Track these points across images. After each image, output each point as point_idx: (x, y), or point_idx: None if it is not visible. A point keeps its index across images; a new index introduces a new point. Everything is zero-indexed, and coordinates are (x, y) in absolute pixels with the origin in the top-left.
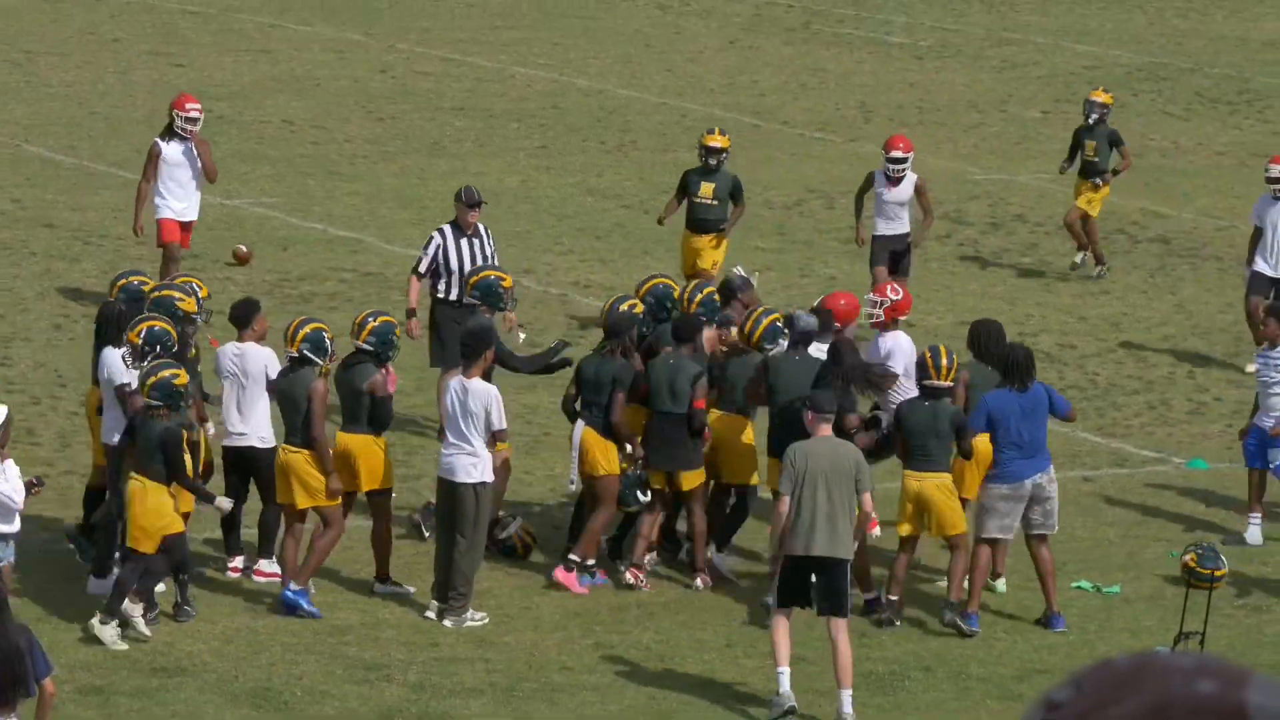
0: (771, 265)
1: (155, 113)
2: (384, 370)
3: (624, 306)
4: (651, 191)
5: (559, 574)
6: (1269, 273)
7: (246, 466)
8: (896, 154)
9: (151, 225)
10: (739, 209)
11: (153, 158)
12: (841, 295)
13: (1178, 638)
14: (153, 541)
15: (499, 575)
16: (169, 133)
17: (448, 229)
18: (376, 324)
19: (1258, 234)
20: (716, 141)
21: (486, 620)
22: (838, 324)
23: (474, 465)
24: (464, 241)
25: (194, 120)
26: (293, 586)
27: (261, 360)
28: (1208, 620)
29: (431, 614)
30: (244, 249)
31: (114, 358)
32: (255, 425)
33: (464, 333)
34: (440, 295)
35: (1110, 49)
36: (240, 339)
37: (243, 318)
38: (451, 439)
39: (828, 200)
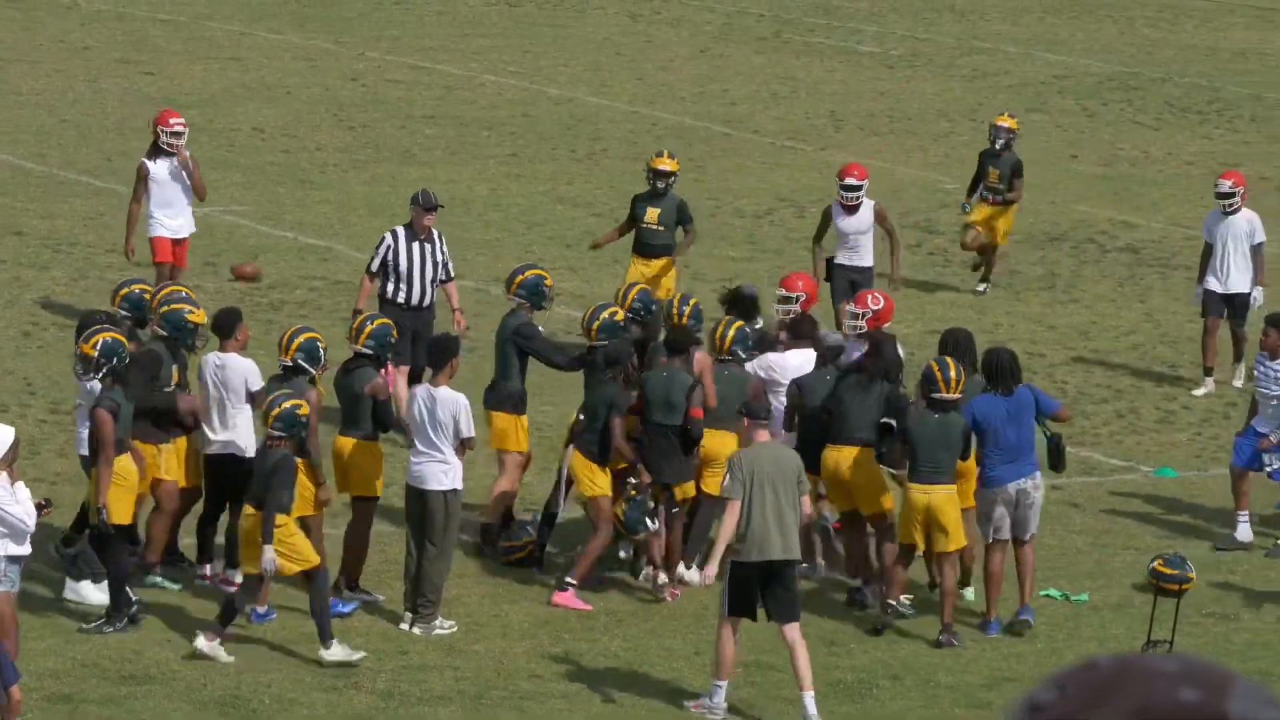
0: (742, 273)
1: (125, 120)
2: (383, 371)
3: (605, 314)
4: (622, 199)
5: (558, 598)
6: (1220, 290)
7: (225, 475)
8: (850, 181)
9: (144, 245)
10: (689, 234)
11: (141, 178)
12: (868, 293)
13: (1145, 646)
14: (297, 567)
15: (468, 583)
16: (155, 151)
17: (400, 231)
18: (374, 327)
19: (1208, 250)
20: (665, 165)
21: (455, 628)
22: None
23: (444, 473)
24: (415, 245)
25: (179, 135)
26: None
27: (242, 372)
28: (1175, 628)
29: (405, 624)
30: (249, 267)
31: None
32: (236, 434)
33: (430, 342)
34: (388, 296)
35: (1080, 58)
36: (222, 348)
37: (225, 327)
38: (421, 447)
39: (798, 209)
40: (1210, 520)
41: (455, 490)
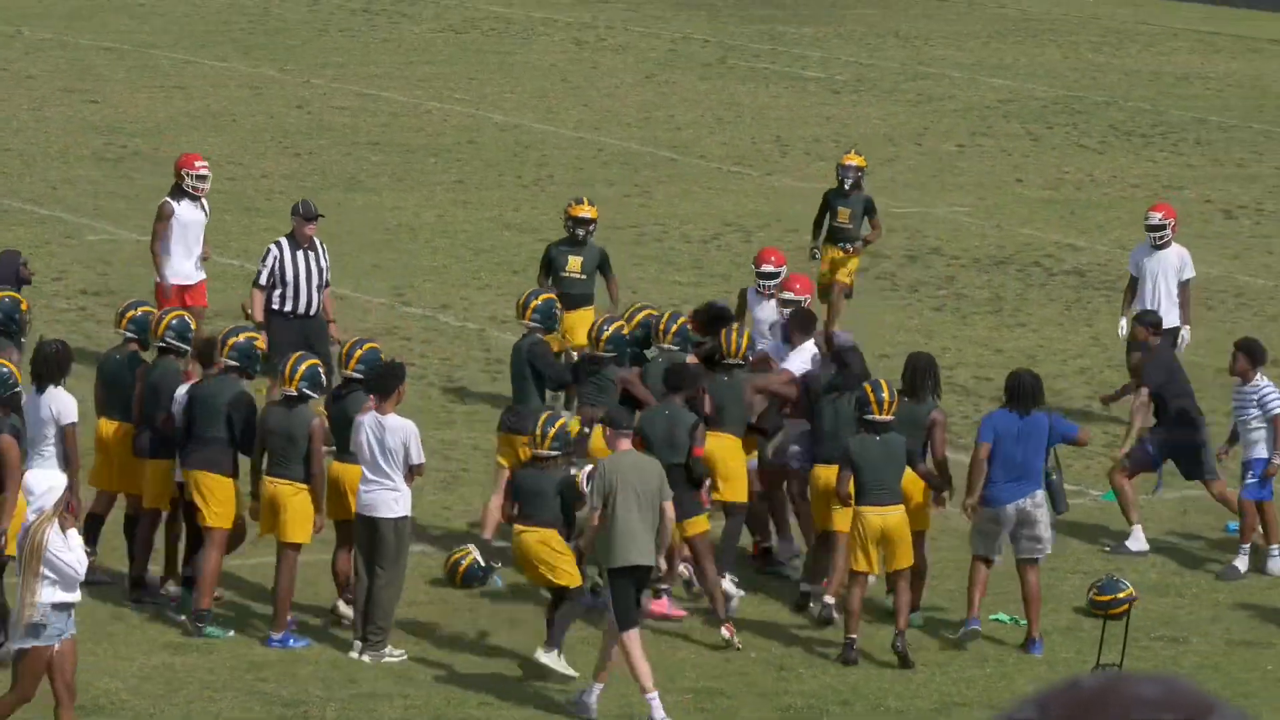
0: (690, 298)
1: (69, 149)
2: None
3: (610, 329)
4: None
5: (654, 606)
6: None
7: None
8: (767, 268)
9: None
10: (613, 283)
11: (164, 217)
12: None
13: (1094, 669)
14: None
15: (417, 610)
16: (179, 193)
17: (284, 242)
18: (363, 352)
19: (1133, 284)
20: (585, 212)
21: (405, 656)
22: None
23: (394, 500)
24: (300, 254)
25: (204, 178)
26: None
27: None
28: (1125, 651)
29: (355, 652)
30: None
31: (63, 397)
32: None
33: (376, 369)
34: (275, 306)
35: (1025, 82)
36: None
37: (207, 354)
38: (370, 475)
39: (744, 234)
40: (1159, 543)
41: (405, 517)
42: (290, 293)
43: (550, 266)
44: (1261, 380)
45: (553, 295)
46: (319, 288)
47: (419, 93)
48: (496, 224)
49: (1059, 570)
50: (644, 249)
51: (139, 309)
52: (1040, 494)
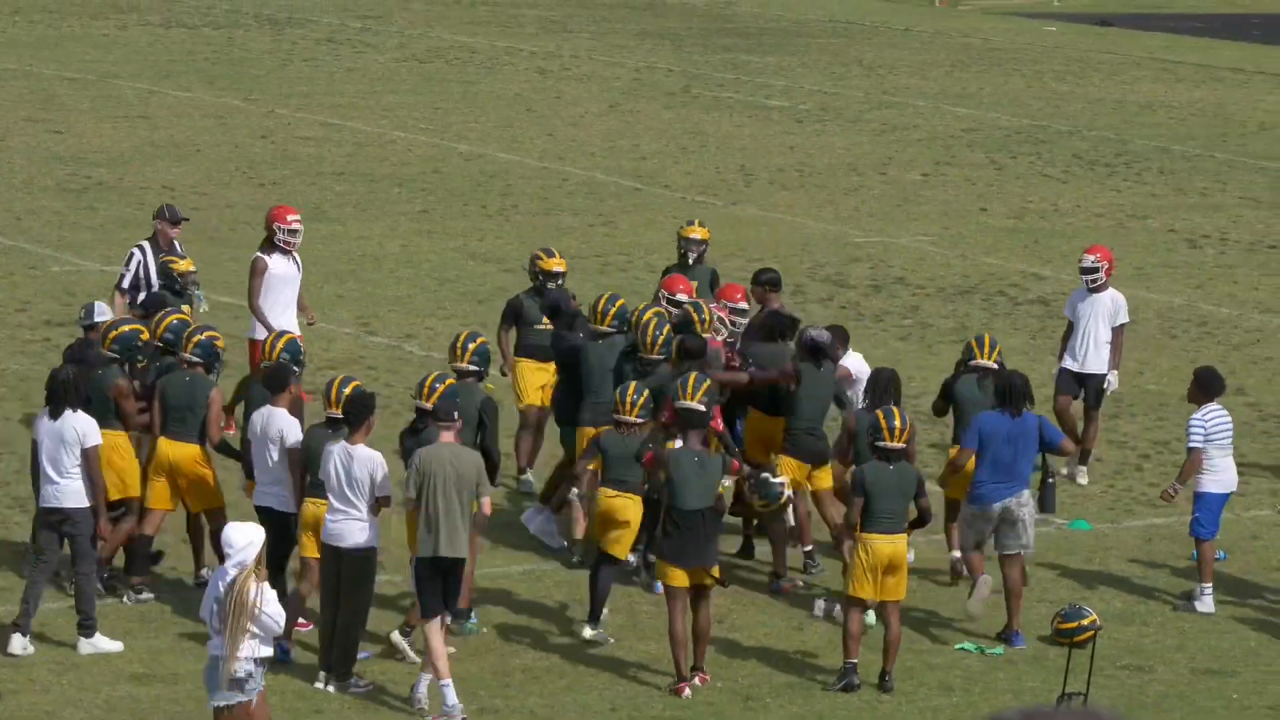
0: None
1: (34, 179)
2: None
3: (616, 306)
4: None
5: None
6: (1075, 368)
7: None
8: (680, 298)
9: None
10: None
11: (257, 273)
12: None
13: (1060, 698)
14: None
15: (383, 640)
16: (270, 247)
17: (147, 245)
18: (444, 388)
19: (1070, 328)
20: (557, 265)
21: (371, 686)
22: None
23: (360, 530)
24: (161, 257)
25: (296, 232)
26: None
27: (280, 427)
28: (1090, 681)
29: (320, 683)
30: None
31: (84, 420)
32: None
33: (347, 400)
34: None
35: (989, 111)
36: (274, 401)
37: (277, 382)
38: (337, 505)
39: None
40: (1125, 572)
41: (371, 548)
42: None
43: (517, 317)
44: (1204, 410)
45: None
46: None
47: (383, 122)
48: (461, 254)
49: (1025, 599)
50: (609, 279)
51: (204, 333)
52: (1026, 494)
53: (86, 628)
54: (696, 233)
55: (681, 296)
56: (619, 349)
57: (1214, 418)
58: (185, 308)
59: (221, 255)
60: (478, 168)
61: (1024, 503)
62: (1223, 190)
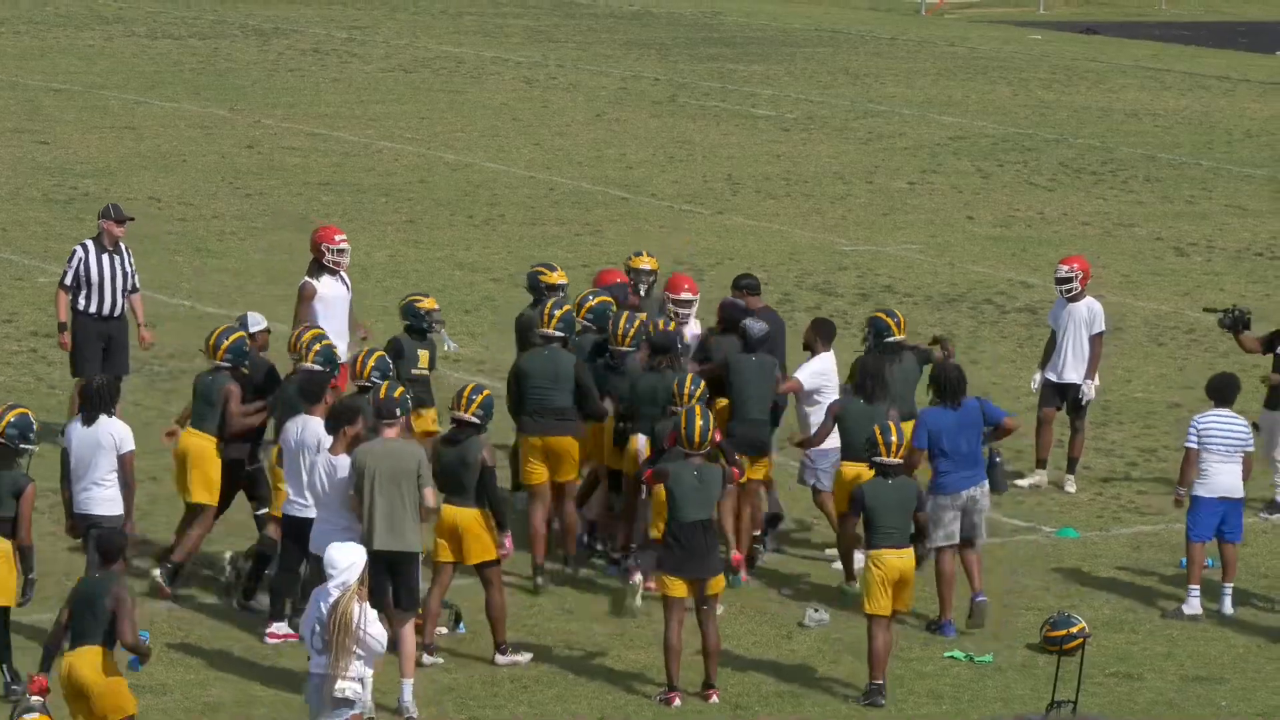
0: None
1: (20, 190)
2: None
3: (594, 301)
4: (520, 264)
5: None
6: (1055, 379)
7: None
8: (685, 296)
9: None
10: None
11: (306, 298)
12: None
13: (1049, 706)
14: None
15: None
16: (319, 269)
17: (90, 244)
18: (482, 398)
19: (1053, 338)
20: (559, 279)
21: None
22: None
23: (349, 539)
24: (105, 257)
25: (344, 252)
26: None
27: (318, 434)
28: (1079, 688)
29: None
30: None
31: (120, 426)
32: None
33: (331, 409)
34: (80, 307)
35: (975, 120)
36: (310, 411)
37: (345, 418)
38: (321, 514)
39: (696, 272)
40: (1114, 580)
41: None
42: (95, 294)
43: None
44: (1206, 413)
45: (608, 299)
46: (124, 290)
47: (370, 132)
48: (448, 263)
49: (1013, 607)
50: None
51: (320, 342)
52: (986, 484)
53: None
54: (646, 263)
55: (686, 295)
56: (563, 355)
57: (1210, 422)
58: (422, 352)
59: (208, 266)
60: (464, 177)
61: (985, 493)
62: (1209, 198)
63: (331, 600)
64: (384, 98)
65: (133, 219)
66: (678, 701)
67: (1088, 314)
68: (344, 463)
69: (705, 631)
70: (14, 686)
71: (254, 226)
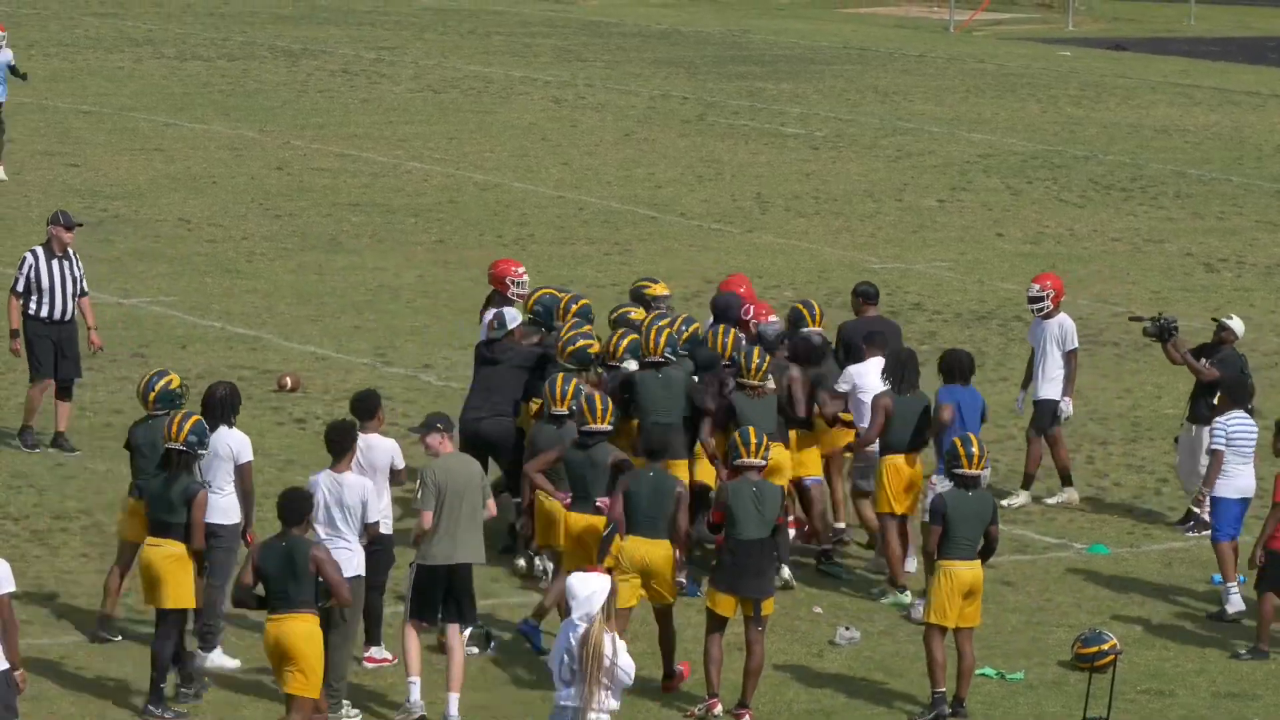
0: None
1: (49, 212)
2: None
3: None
4: (550, 284)
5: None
6: (1032, 397)
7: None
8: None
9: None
10: None
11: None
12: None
13: None
14: None
15: (369, 670)
16: (503, 301)
17: (39, 250)
18: (610, 407)
19: (1034, 358)
20: (661, 290)
21: (360, 716)
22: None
23: (349, 559)
24: (55, 262)
25: (525, 284)
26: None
27: (388, 452)
28: (1111, 705)
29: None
30: (288, 380)
31: (238, 436)
32: (383, 514)
33: (329, 428)
34: (31, 312)
35: (1004, 137)
36: (364, 429)
37: (367, 409)
38: (323, 534)
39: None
40: (1145, 596)
41: (359, 576)
42: (45, 299)
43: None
44: (1228, 415)
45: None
46: (73, 295)
47: (399, 153)
48: (478, 284)
49: (1044, 624)
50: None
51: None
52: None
53: (206, 640)
54: (661, 290)
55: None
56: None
57: (1236, 423)
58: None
59: (238, 287)
60: (493, 197)
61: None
62: (1239, 214)
63: (579, 631)
64: (413, 118)
65: (81, 224)
66: (719, 708)
67: (1059, 332)
68: (350, 480)
69: (752, 651)
70: (184, 690)
71: (284, 247)
